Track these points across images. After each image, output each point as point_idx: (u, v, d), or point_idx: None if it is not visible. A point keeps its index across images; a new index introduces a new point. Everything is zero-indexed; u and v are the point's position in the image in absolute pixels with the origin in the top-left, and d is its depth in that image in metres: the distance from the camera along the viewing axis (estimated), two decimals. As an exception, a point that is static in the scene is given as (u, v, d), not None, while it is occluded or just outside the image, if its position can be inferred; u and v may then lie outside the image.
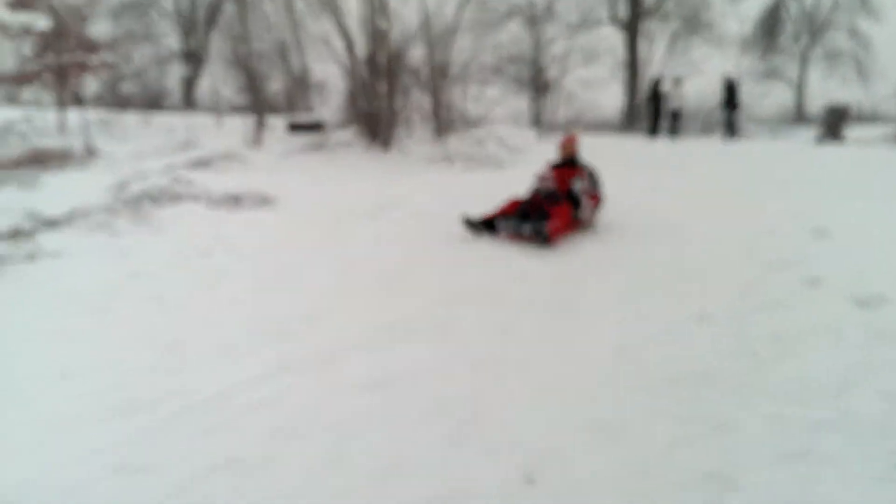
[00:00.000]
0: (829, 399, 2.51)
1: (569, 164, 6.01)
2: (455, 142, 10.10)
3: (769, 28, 25.16)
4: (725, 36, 21.04)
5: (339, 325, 3.57)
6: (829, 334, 3.10)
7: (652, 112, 14.84)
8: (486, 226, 5.33)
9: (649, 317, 3.53)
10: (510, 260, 4.73)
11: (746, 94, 17.35)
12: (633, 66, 20.49)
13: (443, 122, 10.80)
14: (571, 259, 4.86)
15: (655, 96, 14.66)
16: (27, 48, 10.98)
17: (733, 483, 2.03)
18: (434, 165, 9.39)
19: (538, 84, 19.28)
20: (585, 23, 19.89)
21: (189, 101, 15.88)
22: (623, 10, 20.27)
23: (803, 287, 3.75)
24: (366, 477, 2.14)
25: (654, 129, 14.86)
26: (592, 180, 5.85)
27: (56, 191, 6.56)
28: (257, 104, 10.23)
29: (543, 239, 4.82)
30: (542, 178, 5.81)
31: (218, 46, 15.64)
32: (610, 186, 5.92)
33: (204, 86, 16.01)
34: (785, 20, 25.83)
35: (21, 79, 10.82)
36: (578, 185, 5.64)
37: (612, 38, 22.79)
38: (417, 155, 9.97)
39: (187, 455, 2.26)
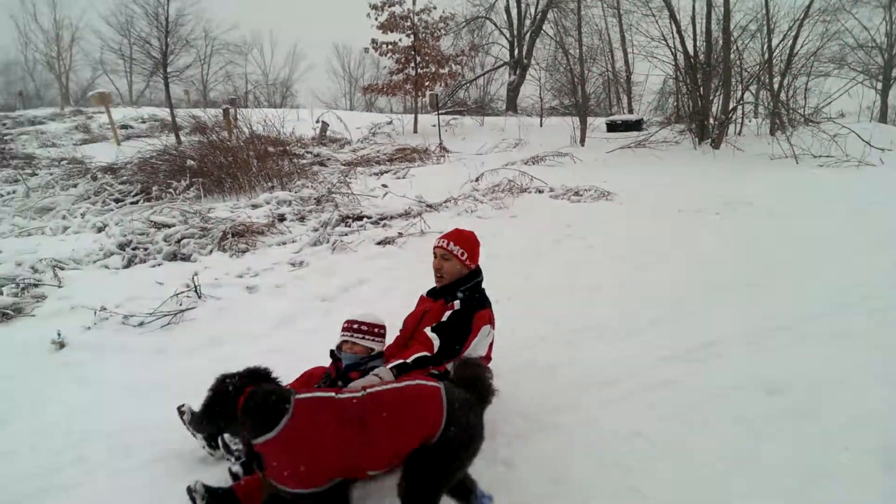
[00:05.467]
0: None
1: (443, 293, 2.67)
2: (799, 138, 9.00)
3: None
4: None
5: (710, 319, 3.46)
6: None
7: None
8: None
9: None
10: None
11: None
12: None
13: (781, 118, 9.74)
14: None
15: None
16: (391, 62, 13.28)
17: None
18: (773, 163, 8.58)
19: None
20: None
21: (513, 106, 17.30)
22: None
23: None
24: (778, 481, 2.01)
25: None
26: (459, 329, 2.47)
27: (424, 181, 7.81)
28: (580, 105, 10.63)
29: None
30: (352, 329, 2.53)
31: (541, 53, 16.70)
32: None
33: (525, 90, 17.26)
34: None
35: (387, 89, 13.17)
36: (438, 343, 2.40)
37: None
38: (752, 152, 9.22)
39: (590, 421, 2.39)
